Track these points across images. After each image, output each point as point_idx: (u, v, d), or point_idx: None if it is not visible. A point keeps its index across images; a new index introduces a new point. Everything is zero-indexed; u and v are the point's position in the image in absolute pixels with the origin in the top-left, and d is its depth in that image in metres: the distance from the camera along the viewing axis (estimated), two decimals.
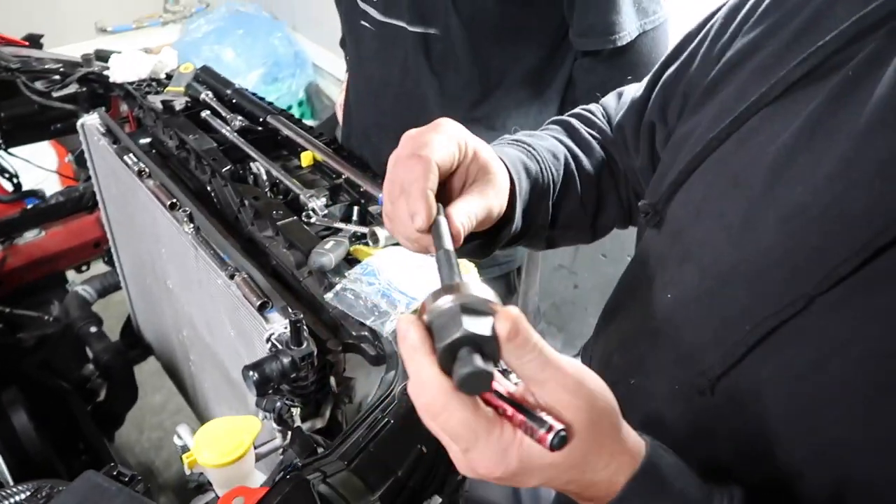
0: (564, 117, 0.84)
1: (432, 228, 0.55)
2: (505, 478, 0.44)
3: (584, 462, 0.45)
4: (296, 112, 3.29)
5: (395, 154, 0.59)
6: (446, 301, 0.44)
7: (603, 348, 0.77)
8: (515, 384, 0.46)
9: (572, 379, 0.44)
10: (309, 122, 2.80)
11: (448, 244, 0.53)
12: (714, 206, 0.59)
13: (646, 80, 0.78)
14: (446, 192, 0.61)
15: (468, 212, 0.58)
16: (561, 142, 0.79)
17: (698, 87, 0.66)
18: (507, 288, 1.54)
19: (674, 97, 0.70)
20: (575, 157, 0.78)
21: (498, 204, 0.63)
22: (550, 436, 0.43)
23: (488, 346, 0.42)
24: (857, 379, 0.47)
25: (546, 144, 0.77)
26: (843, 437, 0.48)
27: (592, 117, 0.83)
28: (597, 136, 0.81)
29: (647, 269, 0.68)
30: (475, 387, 0.42)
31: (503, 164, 0.66)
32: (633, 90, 0.81)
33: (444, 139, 0.58)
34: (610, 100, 0.86)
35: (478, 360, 0.41)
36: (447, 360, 0.42)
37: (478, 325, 0.42)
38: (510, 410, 0.44)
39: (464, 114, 1.24)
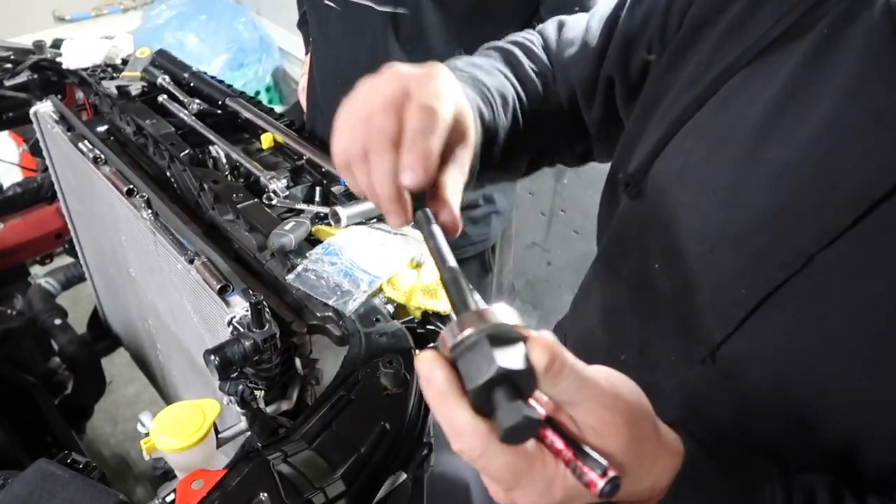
0: (507, 46, 0.79)
1: (427, 241, 0.50)
2: None
3: (627, 480, 0.43)
4: (263, 98, 3.24)
5: (387, 94, 0.50)
6: (470, 334, 0.39)
7: (581, 325, 0.76)
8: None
9: (610, 395, 0.42)
10: (277, 107, 2.76)
11: (451, 261, 0.47)
12: (698, 171, 0.58)
13: (597, 23, 0.74)
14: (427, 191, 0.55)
15: (458, 189, 0.53)
16: (508, 80, 0.75)
17: (662, 47, 0.65)
18: (483, 267, 1.53)
19: (635, 52, 0.69)
20: (520, 99, 0.75)
21: (469, 165, 0.57)
22: (602, 483, 0.39)
23: (524, 380, 0.39)
24: (861, 331, 0.47)
25: (496, 84, 0.72)
26: (851, 388, 0.48)
27: (534, 48, 0.79)
28: (538, 71, 0.77)
29: (628, 240, 0.67)
30: (521, 436, 0.39)
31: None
32: (579, 25, 0.77)
33: (452, 94, 0.52)
34: (549, 29, 0.81)
35: (522, 410, 0.38)
36: (481, 400, 0.39)
37: (510, 359, 0.38)
38: (559, 443, 0.41)
39: None
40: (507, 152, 0.73)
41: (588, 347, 0.72)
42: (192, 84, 1.32)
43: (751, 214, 0.53)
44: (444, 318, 0.92)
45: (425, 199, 0.52)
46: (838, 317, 0.48)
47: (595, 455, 0.40)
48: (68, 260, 1.75)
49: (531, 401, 0.40)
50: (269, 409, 0.88)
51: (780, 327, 0.52)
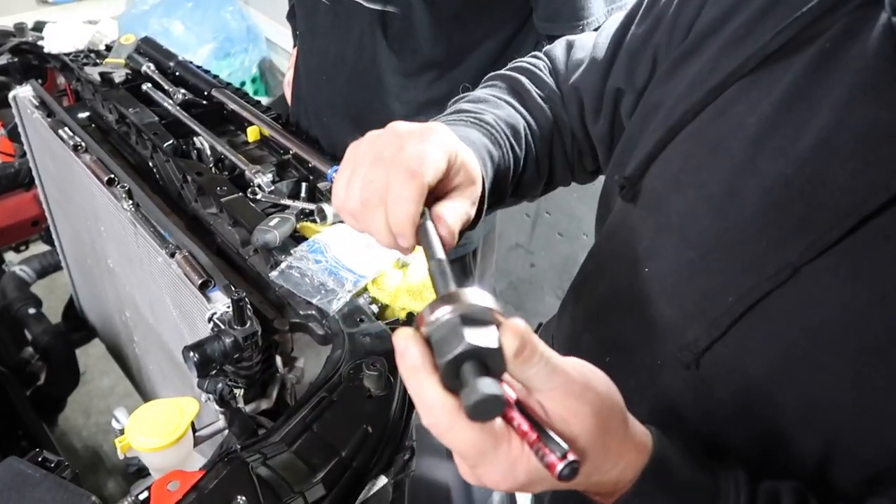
0: (513, 74, 0.79)
1: (420, 236, 0.51)
2: (512, 489, 0.44)
3: (592, 468, 0.44)
4: (249, 89, 3.20)
5: (380, 151, 0.54)
6: (445, 312, 0.41)
7: (570, 328, 0.76)
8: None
9: (579, 384, 0.43)
10: (263, 99, 2.73)
11: (440, 253, 0.49)
12: (694, 177, 0.58)
13: (605, 39, 0.74)
14: (427, 199, 0.57)
15: (458, 214, 0.55)
16: (517, 110, 0.75)
17: (668, 55, 0.65)
18: (463, 270, 1.52)
19: (641, 63, 0.68)
20: (531, 128, 0.76)
21: (476, 205, 0.60)
22: (561, 466, 0.40)
23: (493, 359, 0.40)
24: (844, 345, 0.48)
25: (503, 116, 0.73)
26: (831, 402, 0.49)
27: (540, 74, 0.79)
28: (545, 97, 0.78)
29: (620, 243, 0.67)
30: (487, 413, 0.40)
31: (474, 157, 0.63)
32: (587, 45, 0.77)
33: (439, 155, 0.54)
34: (558, 51, 0.81)
35: (487, 386, 0.39)
36: (451, 376, 0.40)
37: (481, 337, 0.40)
38: (525, 426, 0.42)
39: (421, 94, 1.21)
40: (522, 181, 0.75)
41: (574, 349, 0.72)
42: (177, 73, 1.29)
43: (743, 223, 0.54)
44: None
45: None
46: (822, 329, 0.49)
47: (557, 439, 0.42)
48: (44, 248, 1.72)
49: (503, 384, 0.42)
50: (248, 408, 0.86)
51: (764, 337, 0.52)
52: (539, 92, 0.78)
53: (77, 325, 1.67)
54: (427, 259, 0.49)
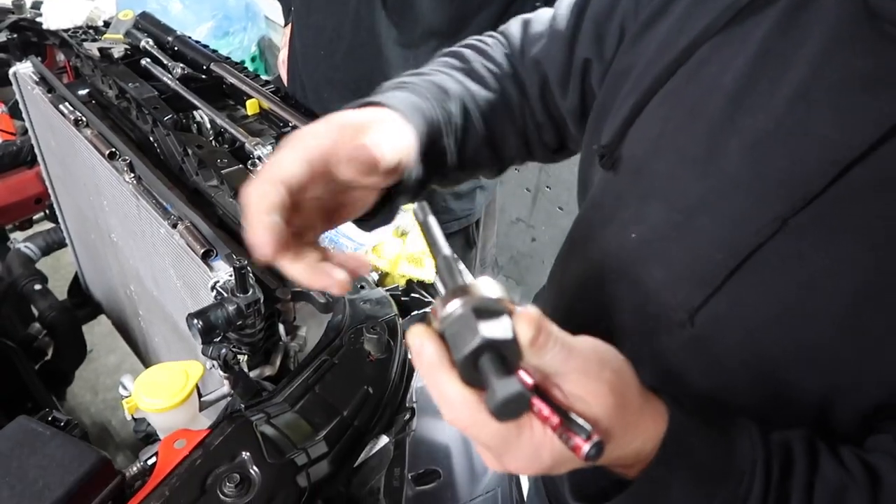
0: (456, 48, 0.78)
1: (424, 232, 0.50)
2: (538, 473, 0.44)
3: (614, 445, 0.44)
4: (248, 68, 3.19)
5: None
6: (456, 306, 0.41)
7: (558, 296, 0.77)
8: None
9: (595, 364, 0.43)
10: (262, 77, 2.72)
11: (445, 249, 0.48)
12: (673, 140, 0.58)
13: (565, 10, 0.73)
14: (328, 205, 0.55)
15: (388, 140, 0.54)
16: (453, 77, 0.72)
17: (636, 20, 0.65)
18: (467, 242, 1.53)
19: (609, 31, 0.68)
20: (472, 94, 0.72)
21: (404, 147, 0.57)
22: (587, 447, 0.41)
23: (509, 350, 0.40)
24: (838, 293, 0.49)
25: (437, 80, 0.70)
26: (829, 348, 0.50)
27: (486, 48, 0.77)
28: (493, 68, 0.75)
29: (605, 211, 0.67)
30: (513, 412, 0.40)
31: (397, 114, 0.61)
32: (544, 19, 0.76)
33: (292, 164, 0.51)
34: (513, 28, 0.78)
35: (509, 386, 0.39)
36: (468, 370, 0.40)
37: (495, 329, 0.40)
38: (546, 411, 0.42)
39: (422, 65, 1.21)
40: (466, 148, 0.71)
41: (567, 317, 0.72)
42: (175, 48, 1.30)
43: (727, 182, 0.54)
44: (428, 287, 0.93)
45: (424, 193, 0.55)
46: (813, 279, 0.50)
47: (580, 421, 0.42)
48: (48, 225, 1.73)
49: (520, 371, 0.42)
50: (252, 375, 0.88)
51: (756, 290, 0.53)
52: (483, 62, 0.75)
53: (83, 302, 1.69)
54: (432, 255, 0.48)
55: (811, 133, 0.49)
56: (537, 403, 0.42)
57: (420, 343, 0.41)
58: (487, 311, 0.41)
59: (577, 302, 0.72)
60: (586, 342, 0.44)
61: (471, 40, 0.80)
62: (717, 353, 0.57)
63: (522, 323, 0.40)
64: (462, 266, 0.48)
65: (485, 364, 0.40)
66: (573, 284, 0.73)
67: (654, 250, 0.60)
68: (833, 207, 0.48)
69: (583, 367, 0.43)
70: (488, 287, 0.42)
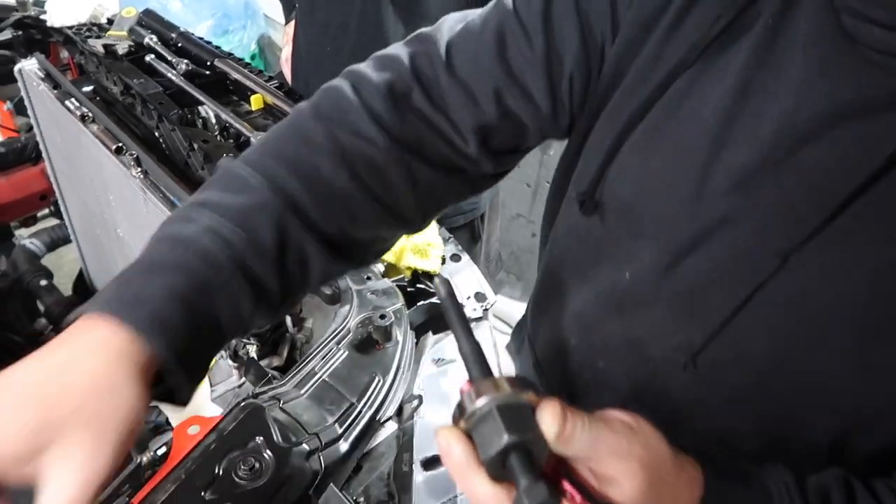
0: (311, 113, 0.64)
1: (445, 312, 0.46)
2: None
3: None
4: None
5: None
6: (482, 403, 0.41)
7: (552, 333, 0.74)
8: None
9: (624, 441, 0.42)
10: None
11: (470, 335, 0.46)
12: (658, 181, 0.55)
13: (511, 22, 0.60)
14: None
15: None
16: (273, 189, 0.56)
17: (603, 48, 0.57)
18: (472, 236, 1.53)
19: (596, 50, 0.58)
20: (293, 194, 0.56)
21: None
22: None
23: (535, 446, 0.40)
24: (844, 327, 0.48)
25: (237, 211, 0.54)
26: (839, 384, 0.49)
27: (344, 103, 0.63)
28: (354, 128, 0.61)
29: (595, 250, 0.64)
30: None
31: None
32: (472, 35, 0.65)
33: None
34: (424, 64, 0.65)
35: (538, 492, 0.38)
36: (496, 468, 0.40)
37: (520, 428, 0.40)
38: (578, 498, 0.42)
39: None
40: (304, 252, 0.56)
41: (561, 353, 0.71)
42: (179, 45, 1.30)
43: (718, 220, 0.52)
44: (433, 278, 0.94)
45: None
46: (820, 314, 0.48)
47: None
48: (53, 222, 1.74)
49: (549, 464, 0.42)
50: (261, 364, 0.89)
51: (761, 328, 0.52)
52: (343, 124, 0.61)
53: (87, 297, 1.70)
54: (457, 339, 0.46)
55: (802, 167, 0.47)
56: (568, 489, 0.42)
57: (448, 444, 0.41)
58: (512, 406, 0.41)
59: (573, 338, 0.70)
60: (612, 418, 0.43)
61: (325, 88, 0.67)
62: (725, 394, 0.55)
63: (546, 417, 0.40)
64: (486, 344, 0.46)
65: (513, 462, 0.40)
66: (569, 320, 0.71)
67: (649, 291, 0.58)
68: (836, 239, 0.47)
69: (612, 449, 0.42)
70: (512, 381, 0.42)
